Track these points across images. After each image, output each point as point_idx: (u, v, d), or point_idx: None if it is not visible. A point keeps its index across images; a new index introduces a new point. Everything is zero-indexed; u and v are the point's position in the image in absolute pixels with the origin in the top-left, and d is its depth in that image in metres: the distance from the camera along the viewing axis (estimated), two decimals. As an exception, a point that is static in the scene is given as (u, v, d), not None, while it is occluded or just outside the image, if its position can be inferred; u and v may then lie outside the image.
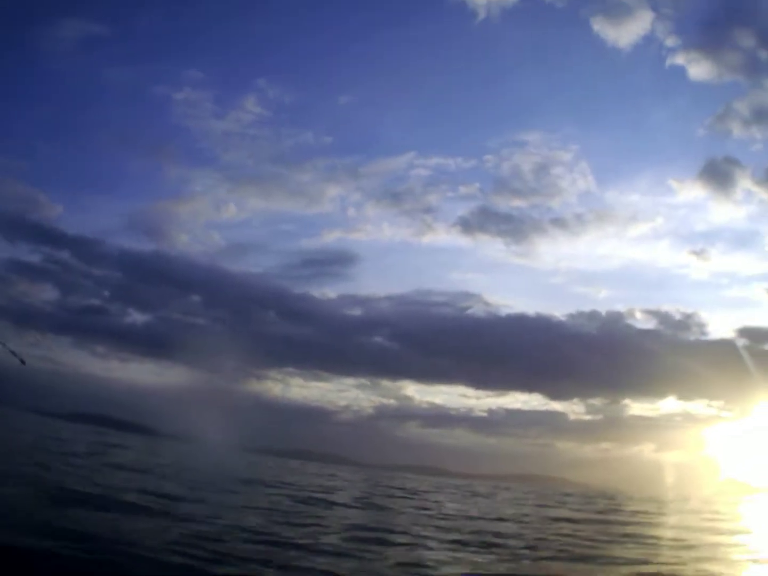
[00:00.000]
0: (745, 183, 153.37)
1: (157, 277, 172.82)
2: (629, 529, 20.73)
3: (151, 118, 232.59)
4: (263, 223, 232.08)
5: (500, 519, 22.33)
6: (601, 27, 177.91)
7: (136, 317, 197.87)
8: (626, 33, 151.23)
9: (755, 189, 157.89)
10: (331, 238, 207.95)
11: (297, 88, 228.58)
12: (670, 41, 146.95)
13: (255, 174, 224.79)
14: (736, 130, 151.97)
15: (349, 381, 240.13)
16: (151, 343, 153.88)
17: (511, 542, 15.11)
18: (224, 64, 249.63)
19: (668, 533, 20.64)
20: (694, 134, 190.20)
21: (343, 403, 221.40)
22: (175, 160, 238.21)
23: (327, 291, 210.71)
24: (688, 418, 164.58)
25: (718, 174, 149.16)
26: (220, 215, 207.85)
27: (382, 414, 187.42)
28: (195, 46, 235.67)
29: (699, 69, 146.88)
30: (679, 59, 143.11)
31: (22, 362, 14.09)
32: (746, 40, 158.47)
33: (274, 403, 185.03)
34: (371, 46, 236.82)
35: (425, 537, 14.69)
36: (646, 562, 13.01)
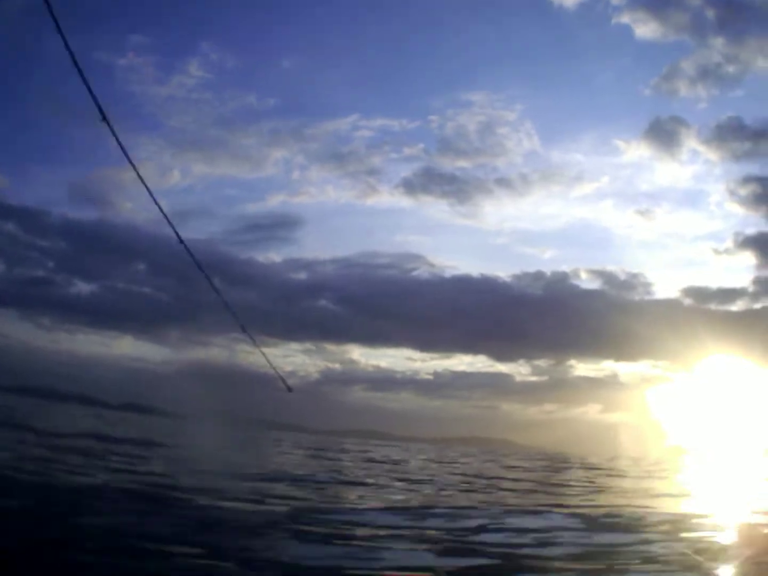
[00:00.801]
0: (690, 143, 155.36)
1: (101, 247, 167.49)
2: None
3: (94, 84, 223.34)
4: (207, 188, 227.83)
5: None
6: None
7: (82, 287, 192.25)
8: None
9: (701, 148, 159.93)
10: (275, 202, 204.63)
11: (240, 52, 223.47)
12: (616, 0, 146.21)
13: (199, 139, 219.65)
14: (683, 89, 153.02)
15: (295, 346, 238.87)
16: (97, 314, 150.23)
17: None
18: (167, 28, 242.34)
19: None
20: (639, 94, 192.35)
21: (289, 368, 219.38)
22: (119, 127, 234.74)
23: (272, 255, 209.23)
24: (634, 378, 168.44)
25: (663, 133, 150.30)
26: (165, 182, 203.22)
27: (328, 379, 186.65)
28: (139, 10, 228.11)
29: (645, 28, 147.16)
30: (625, 18, 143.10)
31: (289, 389, 12.85)
32: None
33: (220, 370, 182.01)
34: (314, 7, 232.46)
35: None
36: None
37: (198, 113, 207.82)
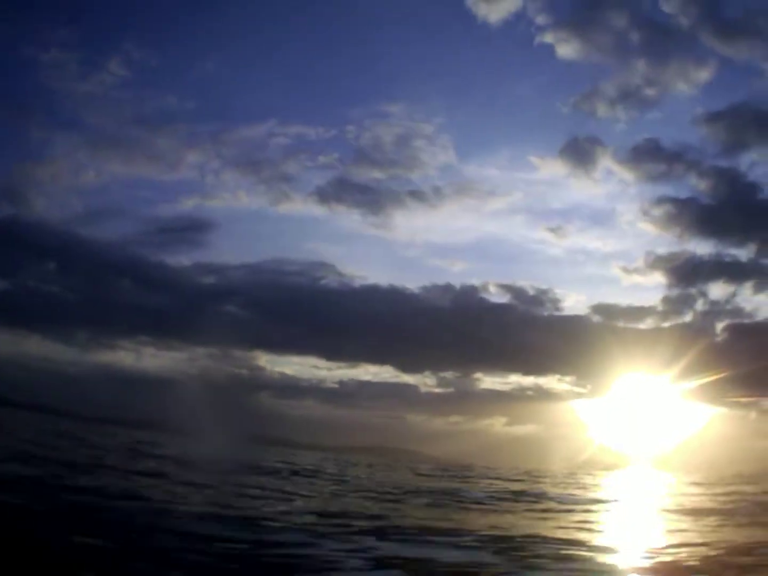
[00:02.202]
0: (606, 162, 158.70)
1: (12, 244, 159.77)
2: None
3: (15, 79, 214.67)
4: (121, 188, 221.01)
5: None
6: (474, 2, 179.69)
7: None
8: (498, 9, 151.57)
9: (616, 168, 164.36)
10: (188, 205, 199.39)
11: (163, 51, 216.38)
12: (540, 19, 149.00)
13: (116, 138, 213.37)
14: (601, 110, 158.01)
15: (201, 350, 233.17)
16: (5, 312, 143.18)
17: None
18: (92, 24, 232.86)
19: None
20: (558, 112, 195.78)
21: (194, 372, 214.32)
22: (38, 123, 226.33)
23: (182, 259, 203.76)
24: (540, 392, 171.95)
25: (579, 152, 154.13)
26: (79, 180, 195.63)
27: (233, 384, 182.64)
28: (65, 6, 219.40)
29: (568, 48, 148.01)
30: (548, 37, 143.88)
31: None
32: (617, 21, 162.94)
33: (125, 372, 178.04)
34: (239, 10, 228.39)
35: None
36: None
37: (116, 112, 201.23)
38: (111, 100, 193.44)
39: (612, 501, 25.16)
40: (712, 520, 13.85)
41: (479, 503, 21.19)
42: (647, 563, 8.00)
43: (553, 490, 30.53)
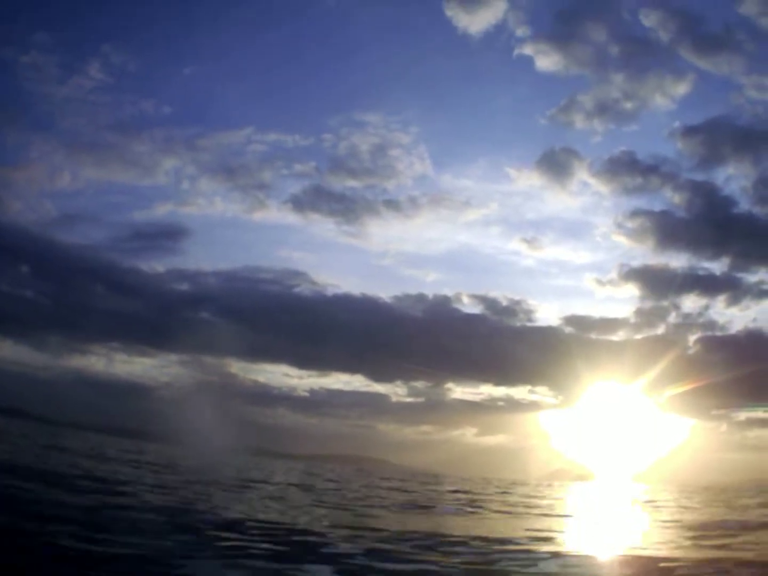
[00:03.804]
0: (582, 174, 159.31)
1: None
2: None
3: None
4: (97, 193, 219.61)
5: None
6: (454, 13, 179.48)
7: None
8: (478, 20, 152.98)
9: (591, 180, 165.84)
10: (163, 211, 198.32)
11: (142, 56, 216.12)
12: (521, 31, 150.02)
13: (92, 142, 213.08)
14: (578, 122, 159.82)
15: (173, 357, 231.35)
16: None
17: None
18: (71, 28, 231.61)
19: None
20: (535, 124, 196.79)
21: (165, 379, 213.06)
22: (14, 125, 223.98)
23: (156, 265, 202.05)
24: (511, 403, 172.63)
25: (555, 164, 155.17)
26: (54, 183, 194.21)
27: (204, 391, 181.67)
28: (45, 8, 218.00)
29: (547, 60, 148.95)
30: (528, 49, 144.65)
31: None
32: (597, 34, 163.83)
33: (96, 378, 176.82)
34: (219, 17, 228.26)
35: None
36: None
37: (94, 116, 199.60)
38: (88, 104, 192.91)
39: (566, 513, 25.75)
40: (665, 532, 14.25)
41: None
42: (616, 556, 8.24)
43: (509, 499, 31.10)
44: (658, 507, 28.65)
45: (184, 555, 9.35)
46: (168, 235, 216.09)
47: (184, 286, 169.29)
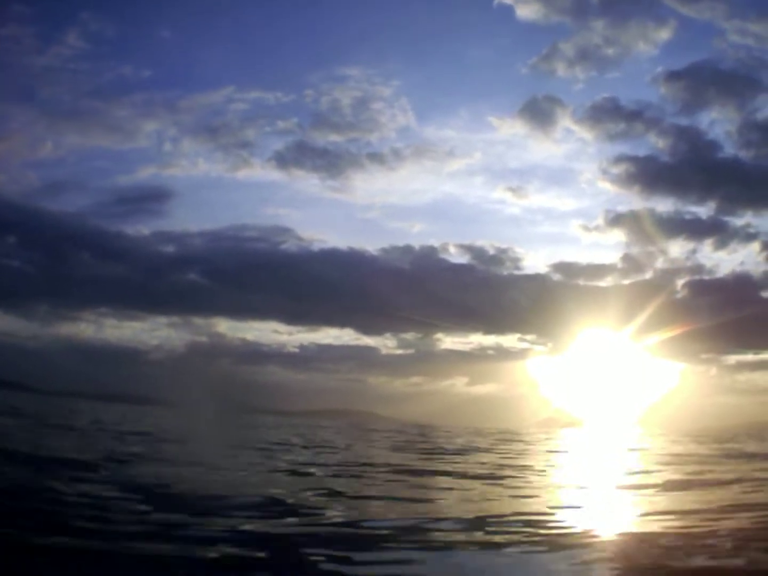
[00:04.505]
0: (565, 122, 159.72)
1: None
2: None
3: None
4: (79, 160, 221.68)
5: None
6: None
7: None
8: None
9: (575, 128, 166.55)
10: (146, 175, 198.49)
11: (120, 21, 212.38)
12: None
13: (73, 110, 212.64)
14: (560, 70, 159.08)
15: (162, 320, 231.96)
16: None
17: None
18: None
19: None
20: (517, 73, 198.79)
21: (155, 342, 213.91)
22: None
23: (141, 228, 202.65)
24: (501, 351, 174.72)
25: (538, 112, 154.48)
26: (37, 153, 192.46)
27: (194, 352, 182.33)
28: None
29: (527, 9, 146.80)
30: None
31: None
32: None
33: (86, 345, 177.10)
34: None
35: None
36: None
37: (73, 84, 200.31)
38: (68, 73, 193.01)
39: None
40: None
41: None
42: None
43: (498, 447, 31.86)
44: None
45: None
46: (152, 198, 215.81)
47: (171, 248, 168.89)
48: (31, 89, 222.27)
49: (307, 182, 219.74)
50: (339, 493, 11.61)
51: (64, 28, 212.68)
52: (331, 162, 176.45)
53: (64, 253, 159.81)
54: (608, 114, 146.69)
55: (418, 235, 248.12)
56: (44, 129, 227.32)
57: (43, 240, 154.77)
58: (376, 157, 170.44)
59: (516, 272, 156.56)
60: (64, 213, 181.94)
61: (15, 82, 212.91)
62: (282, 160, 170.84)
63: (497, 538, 7.92)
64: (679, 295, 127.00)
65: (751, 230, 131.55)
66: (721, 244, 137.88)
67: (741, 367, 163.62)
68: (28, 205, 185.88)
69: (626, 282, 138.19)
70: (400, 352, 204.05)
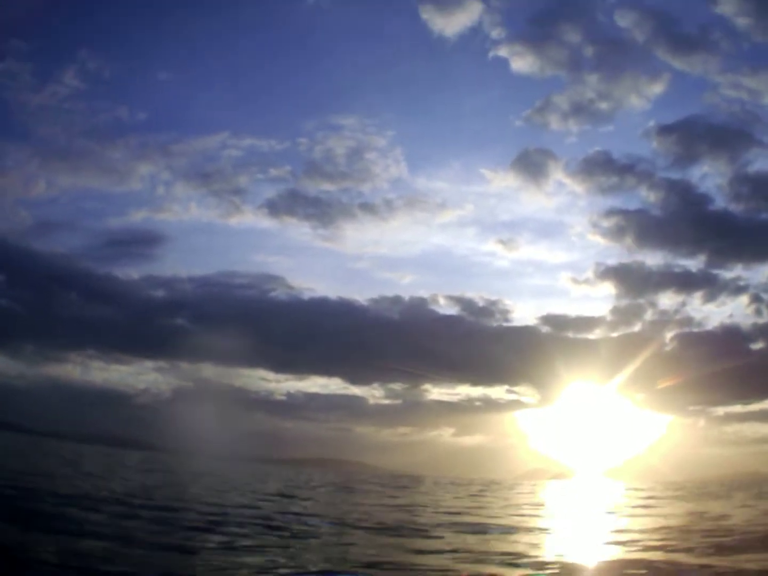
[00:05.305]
0: (557, 174, 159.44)
1: None
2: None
3: None
4: (72, 200, 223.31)
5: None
6: (430, 16, 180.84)
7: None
8: (454, 23, 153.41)
9: (567, 181, 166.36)
10: (138, 218, 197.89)
11: (117, 62, 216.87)
12: (496, 33, 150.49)
13: (66, 149, 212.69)
14: (554, 123, 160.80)
15: (149, 364, 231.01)
16: None
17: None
18: (47, 34, 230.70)
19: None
20: (511, 125, 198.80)
21: (141, 386, 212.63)
22: None
23: (131, 272, 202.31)
24: (488, 402, 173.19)
25: (531, 164, 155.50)
26: (29, 192, 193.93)
27: (180, 397, 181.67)
28: (21, 15, 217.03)
29: (522, 62, 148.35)
30: (503, 51, 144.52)
31: None
32: (571, 35, 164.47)
33: (73, 386, 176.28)
34: (194, 23, 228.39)
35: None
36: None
37: (68, 123, 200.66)
38: (63, 112, 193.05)
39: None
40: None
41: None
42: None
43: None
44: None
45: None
46: (143, 242, 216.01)
47: (160, 293, 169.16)
48: (26, 127, 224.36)
49: (299, 230, 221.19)
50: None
51: (61, 66, 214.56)
52: (322, 211, 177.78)
53: (52, 293, 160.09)
54: (600, 167, 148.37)
55: (408, 285, 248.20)
56: (38, 168, 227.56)
57: (32, 280, 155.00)
58: (368, 207, 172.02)
59: (505, 324, 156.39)
60: (54, 253, 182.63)
61: (10, 120, 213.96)
62: (274, 208, 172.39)
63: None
64: (668, 348, 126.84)
65: (741, 283, 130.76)
66: (710, 297, 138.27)
67: (729, 418, 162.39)
68: (18, 244, 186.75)
69: (615, 334, 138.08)
70: (387, 402, 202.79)
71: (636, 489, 50.58)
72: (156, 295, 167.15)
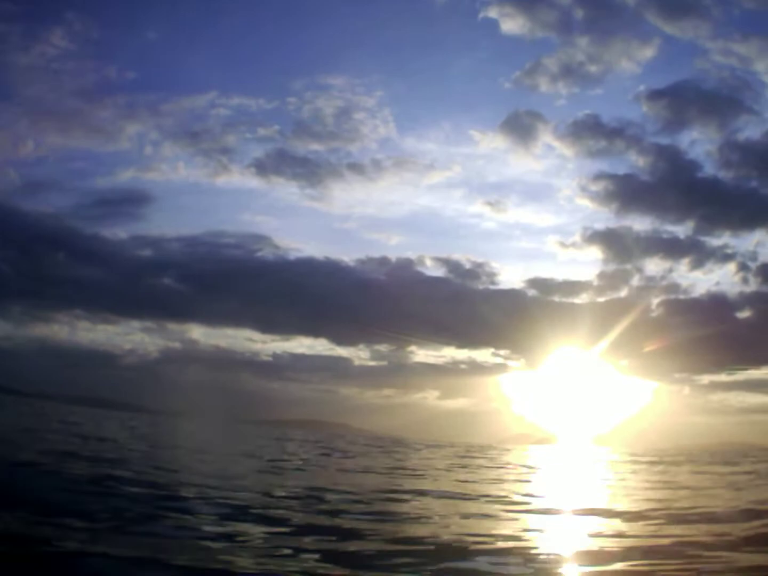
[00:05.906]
0: (546, 137, 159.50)
1: None
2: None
3: None
4: (60, 160, 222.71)
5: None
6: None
7: None
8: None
9: (556, 144, 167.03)
10: (125, 177, 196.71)
11: (105, 22, 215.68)
12: None
13: (55, 109, 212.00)
14: (543, 85, 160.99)
15: (136, 324, 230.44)
16: None
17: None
18: None
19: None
20: (500, 87, 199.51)
21: (128, 346, 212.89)
22: None
23: (118, 231, 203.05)
24: (473, 366, 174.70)
25: (519, 127, 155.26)
26: (17, 152, 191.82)
27: (167, 358, 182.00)
28: None
29: (512, 23, 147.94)
30: (493, 12, 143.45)
31: None
32: None
33: (60, 347, 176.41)
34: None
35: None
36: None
37: (57, 83, 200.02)
38: (51, 72, 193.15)
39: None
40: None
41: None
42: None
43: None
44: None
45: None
46: (131, 201, 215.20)
47: (147, 252, 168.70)
48: (14, 87, 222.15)
49: (286, 190, 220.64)
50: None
51: (50, 26, 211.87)
52: (310, 171, 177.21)
53: (40, 253, 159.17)
54: (589, 131, 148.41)
55: (395, 246, 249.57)
56: (26, 128, 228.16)
57: (19, 240, 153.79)
58: (356, 168, 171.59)
59: (491, 287, 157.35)
60: (41, 213, 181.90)
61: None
62: (262, 168, 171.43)
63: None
64: (654, 314, 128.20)
65: (728, 251, 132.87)
66: (697, 264, 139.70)
67: (714, 386, 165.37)
68: (6, 204, 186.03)
69: (602, 299, 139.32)
70: (373, 363, 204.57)
71: (620, 457, 51.28)
72: (143, 255, 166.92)
